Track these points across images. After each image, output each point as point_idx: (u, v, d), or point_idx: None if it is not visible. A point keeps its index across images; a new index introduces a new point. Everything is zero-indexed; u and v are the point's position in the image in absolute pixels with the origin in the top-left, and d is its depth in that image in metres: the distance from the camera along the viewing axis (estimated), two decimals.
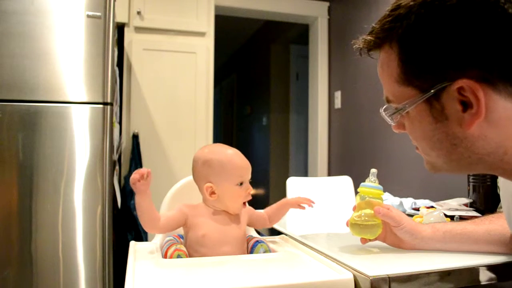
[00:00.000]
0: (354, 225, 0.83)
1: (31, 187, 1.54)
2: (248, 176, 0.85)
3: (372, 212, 0.82)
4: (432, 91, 0.55)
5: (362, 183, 0.86)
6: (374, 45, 0.62)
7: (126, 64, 2.42)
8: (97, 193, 1.59)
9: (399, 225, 0.81)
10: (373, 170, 0.85)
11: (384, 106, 0.64)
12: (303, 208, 0.92)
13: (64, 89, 1.60)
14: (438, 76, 0.54)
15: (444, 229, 0.83)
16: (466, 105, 0.54)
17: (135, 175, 0.75)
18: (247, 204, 0.87)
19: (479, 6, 0.51)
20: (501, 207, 1.23)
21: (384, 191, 0.87)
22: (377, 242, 0.86)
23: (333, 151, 2.95)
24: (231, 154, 0.85)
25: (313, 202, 0.91)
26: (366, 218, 0.82)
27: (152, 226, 0.80)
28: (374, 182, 0.85)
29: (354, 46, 0.65)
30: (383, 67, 0.62)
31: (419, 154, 0.66)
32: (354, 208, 0.86)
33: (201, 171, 0.84)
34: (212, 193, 0.83)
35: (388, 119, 0.64)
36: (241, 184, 0.83)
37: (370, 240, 0.85)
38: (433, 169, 0.64)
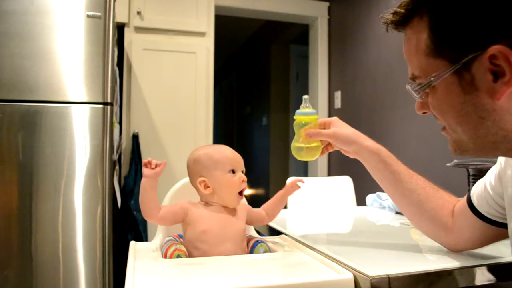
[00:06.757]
0: (298, 148, 0.89)
1: (31, 187, 1.54)
2: (239, 166, 0.86)
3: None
4: (463, 60, 0.54)
5: (296, 111, 0.91)
6: (404, 18, 0.61)
7: (126, 64, 2.42)
8: (97, 193, 1.59)
9: (334, 140, 0.88)
10: (305, 97, 0.90)
11: (410, 83, 0.63)
12: (299, 187, 0.92)
13: (64, 89, 1.60)
14: (470, 45, 0.54)
15: (385, 155, 0.84)
16: (496, 76, 0.53)
17: (153, 161, 0.82)
18: (243, 196, 0.87)
19: None
20: None
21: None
22: (378, 242, 0.86)
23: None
24: (219, 146, 0.88)
25: (302, 182, 0.93)
26: (306, 142, 0.88)
27: (151, 214, 0.81)
28: (307, 108, 0.90)
29: (381, 21, 0.64)
30: (410, 42, 0.61)
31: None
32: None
33: (193, 169, 0.86)
34: (207, 186, 0.84)
35: (415, 94, 0.63)
36: (233, 172, 0.84)
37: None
38: (459, 149, 0.63)
